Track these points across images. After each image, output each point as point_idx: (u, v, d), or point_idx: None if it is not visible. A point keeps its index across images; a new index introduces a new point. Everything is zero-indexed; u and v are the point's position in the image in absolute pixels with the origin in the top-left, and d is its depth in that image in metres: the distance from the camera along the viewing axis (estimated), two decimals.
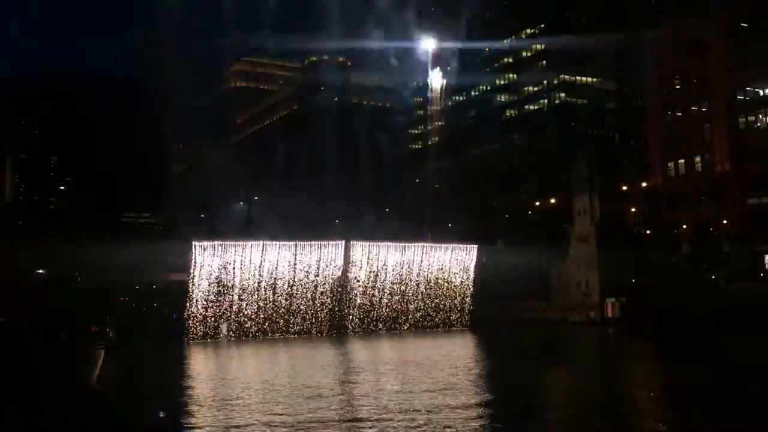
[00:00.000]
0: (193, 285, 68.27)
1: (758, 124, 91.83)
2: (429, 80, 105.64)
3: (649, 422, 27.12)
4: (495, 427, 25.97)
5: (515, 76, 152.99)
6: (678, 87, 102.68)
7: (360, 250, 75.38)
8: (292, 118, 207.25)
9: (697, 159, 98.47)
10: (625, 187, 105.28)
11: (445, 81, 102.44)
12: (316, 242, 73.78)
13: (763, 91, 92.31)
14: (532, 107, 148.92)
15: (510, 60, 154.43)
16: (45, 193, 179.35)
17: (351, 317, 74.92)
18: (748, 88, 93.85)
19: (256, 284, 70.42)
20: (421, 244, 79.51)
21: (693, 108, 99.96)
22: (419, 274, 78.27)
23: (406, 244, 78.47)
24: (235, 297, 69.70)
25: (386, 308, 76.59)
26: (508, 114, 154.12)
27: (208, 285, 68.72)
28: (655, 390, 34.72)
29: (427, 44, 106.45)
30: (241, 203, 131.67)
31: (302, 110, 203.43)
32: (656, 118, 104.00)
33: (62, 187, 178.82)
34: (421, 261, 78.45)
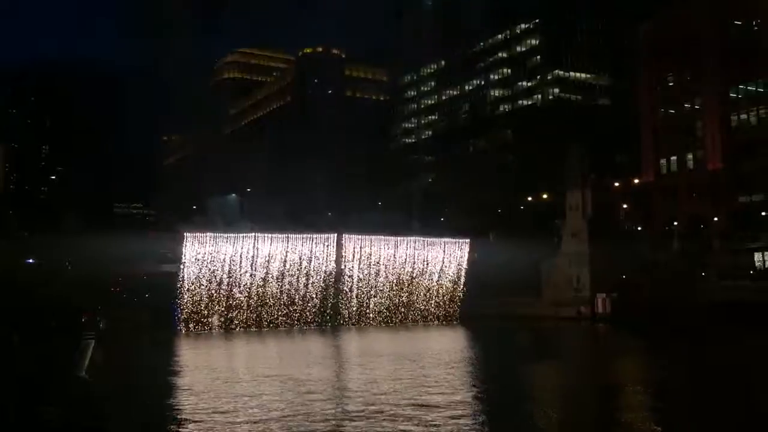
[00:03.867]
0: (184, 276, 68.09)
1: (751, 122, 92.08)
2: None
3: (634, 420, 27.23)
4: (477, 423, 26.03)
5: (509, 71, 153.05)
6: (671, 84, 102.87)
7: (352, 243, 75.34)
8: (286, 110, 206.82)
9: (690, 156, 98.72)
10: (617, 183, 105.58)
11: None
12: (309, 235, 73.70)
13: (756, 88, 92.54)
14: (525, 102, 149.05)
15: (504, 55, 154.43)
16: (36, 183, 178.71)
17: (343, 310, 74.89)
18: (741, 86, 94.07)
19: (247, 276, 70.31)
20: (414, 238, 79.48)
21: (686, 105, 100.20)
22: (411, 268, 78.25)
23: (399, 238, 78.42)
24: (227, 289, 69.57)
25: (378, 301, 76.60)
26: (501, 109, 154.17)
27: (199, 276, 68.55)
28: (641, 387, 34.86)
29: None
30: (234, 194, 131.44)
31: (296, 102, 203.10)
32: (649, 115, 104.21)
33: (53, 177, 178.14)
34: (413, 255, 78.43)
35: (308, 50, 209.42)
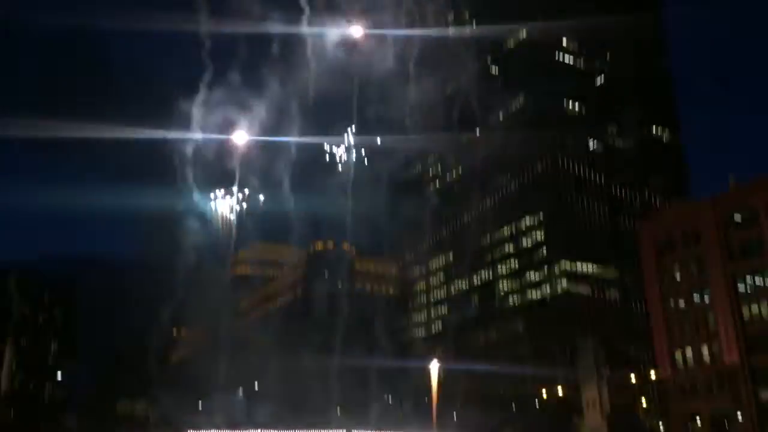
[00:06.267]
0: None
1: (763, 315, 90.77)
2: None
3: None
4: None
5: (517, 263, 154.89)
6: (678, 279, 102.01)
7: None
8: (295, 305, 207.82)
9: (705, 349, 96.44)
10: (633, 380, 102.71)
11: None
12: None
13: (764, 280, 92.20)
14: (535, 294, 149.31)
15: (511, 248, 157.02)
16: (41, 381, 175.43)
17: None
18: (748, 278, 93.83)
19: None
20: None
21: (695, 298, 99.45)
22: None
23: None
24: None
25: None
26: (510, 302, 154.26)
27: None
28: None
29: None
30: (240, 394, 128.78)
31: (305, 297, 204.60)
32: (659, 308, 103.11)
33: (60, 380, 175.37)
34: None
35: (319, 246, 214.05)
